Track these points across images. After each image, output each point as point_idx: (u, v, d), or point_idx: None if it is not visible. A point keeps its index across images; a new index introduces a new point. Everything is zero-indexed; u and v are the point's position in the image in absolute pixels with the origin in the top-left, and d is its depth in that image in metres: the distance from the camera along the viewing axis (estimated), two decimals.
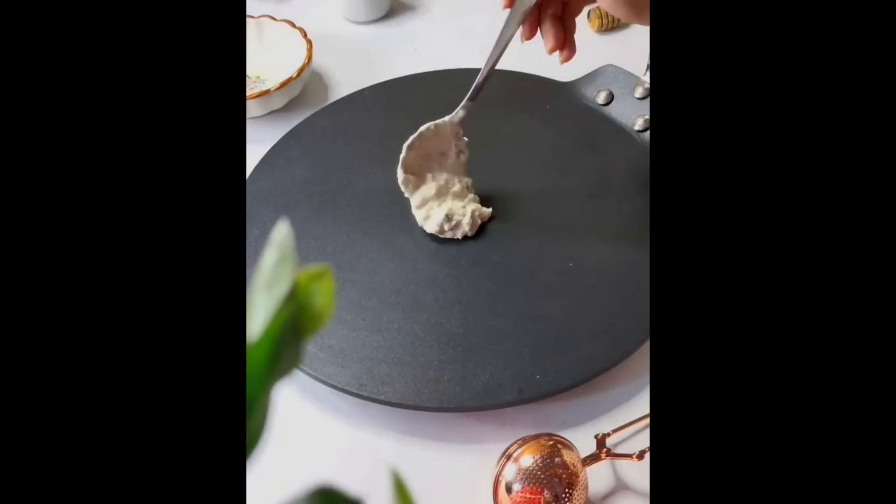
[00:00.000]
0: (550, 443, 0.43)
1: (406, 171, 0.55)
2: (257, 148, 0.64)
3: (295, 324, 0.20)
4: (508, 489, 0.43)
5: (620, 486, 0.46)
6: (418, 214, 0.56)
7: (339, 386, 0.49)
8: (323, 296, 0.20)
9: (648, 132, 0.62)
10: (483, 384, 0.48)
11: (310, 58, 0.70)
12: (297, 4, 0.83)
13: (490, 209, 0.57)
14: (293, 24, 0.73)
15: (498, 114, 0.66)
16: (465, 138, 0.56)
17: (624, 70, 0.66)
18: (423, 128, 0.55)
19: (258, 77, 0.72)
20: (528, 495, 0.42)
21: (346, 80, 0.74)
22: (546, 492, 0.42)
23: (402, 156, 0.55)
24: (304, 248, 0.56)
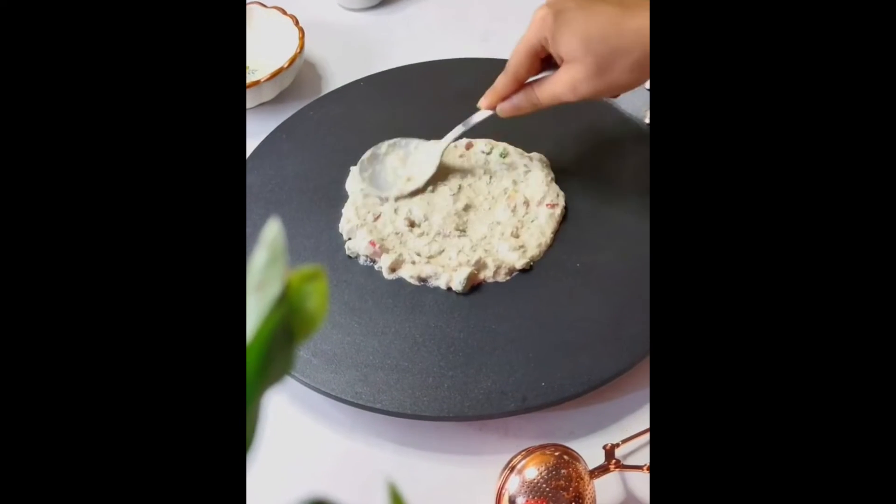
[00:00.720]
0: (556, 454, 0.43)
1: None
2: (247, 141, 0.65)
3: (286, 327, 0.20)
4: (512, 503, 0.43)
5: (630, 500, 0.46)
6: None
7: (333, 394, 0.49)
8: (316, 298, 0.20)
9: None
10: (485, 391, 0.48)
11: (302, 47, 0.69)
12: None
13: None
14: (284, 12, 0.73)
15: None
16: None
17: None
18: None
19: (248, 67, 0.72)
20: None
21: (340, 71, 0.74)
22: None
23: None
24: (296, 248, 0.57)
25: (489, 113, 0.56)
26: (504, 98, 0.54)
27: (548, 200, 0.57)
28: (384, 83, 0.69)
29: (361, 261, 0.56)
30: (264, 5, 0.74)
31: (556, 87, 0.51)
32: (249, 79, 0.70)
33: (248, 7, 0.74)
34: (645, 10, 0.46)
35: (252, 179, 0.62)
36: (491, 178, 0.60)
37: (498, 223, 0.57)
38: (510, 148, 0.61)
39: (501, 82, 0.54)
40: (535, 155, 0.60)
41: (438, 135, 0.59)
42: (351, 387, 0.49)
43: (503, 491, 0.43)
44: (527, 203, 0.58)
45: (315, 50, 0.75)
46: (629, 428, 0.48)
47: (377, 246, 0.55)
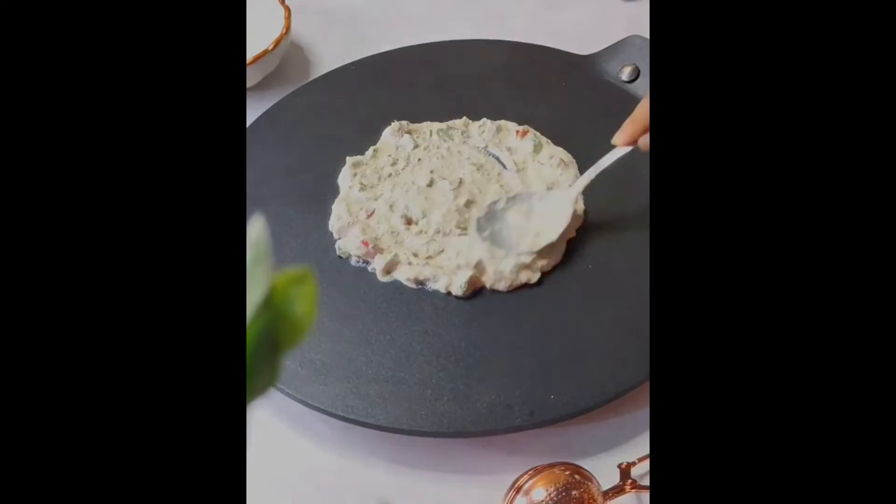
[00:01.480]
0: (566, 473, 0.43)
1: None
2: None
3: (271, 335, 0.20)
4: None
5: None
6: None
7: (321, 407, 0.48)
8: (303, 303, 0.20)
9: None
10: (488, 405, 0.48)
11: (288, 28, 0.69)
12: None
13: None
14: None
15: (504, 94, 0.65)
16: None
17: None
18: None
19: None
20: None
21: (329, 53, 0.74)
22: None
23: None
24: (281, 248, 0.56)
25: (626, 150, 0.53)
26: (647, 129, 0.51)
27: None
28: (378, 67, 0.69)
29: (353, 262, 0.55)
30: None
31: None
32: None
33: None
34: None
35: None
36: (500, 173, 0.59)
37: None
38: (547, 142, 0.60)
39: (641, 112, 0.51)
40: (570, 160, 0.59)
41: (439, 120, 0.58)
42: (342, 399, 0.48)
43: None
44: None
45: (302, 31, 0.75)
46: (646, 446, 0.48)
47: (370, 246, 0.54)
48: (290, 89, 0.68)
